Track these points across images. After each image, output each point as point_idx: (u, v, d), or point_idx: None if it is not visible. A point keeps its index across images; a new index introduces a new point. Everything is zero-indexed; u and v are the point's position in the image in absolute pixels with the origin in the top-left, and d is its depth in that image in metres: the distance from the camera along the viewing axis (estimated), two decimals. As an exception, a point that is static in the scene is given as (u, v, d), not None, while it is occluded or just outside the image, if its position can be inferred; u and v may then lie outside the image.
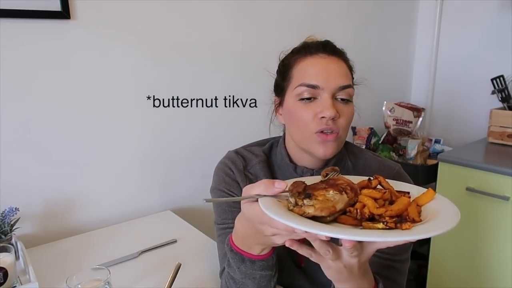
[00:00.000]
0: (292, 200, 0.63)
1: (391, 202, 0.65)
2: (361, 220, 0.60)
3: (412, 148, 1.98)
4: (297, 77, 0.86)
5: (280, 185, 0.64)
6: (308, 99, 0.84)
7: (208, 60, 1.60)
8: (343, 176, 0.70)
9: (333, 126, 0.82)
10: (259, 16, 1.70)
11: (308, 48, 0.88)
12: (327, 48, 0.87)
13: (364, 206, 0.62)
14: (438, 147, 2.13)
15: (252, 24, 1.69)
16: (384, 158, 0.98)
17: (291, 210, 0.62)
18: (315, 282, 0.95)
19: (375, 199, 0.64)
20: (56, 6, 1.23)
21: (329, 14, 1.95)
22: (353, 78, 0.92)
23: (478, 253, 1.73)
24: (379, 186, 0.70)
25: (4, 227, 1.12)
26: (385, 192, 0.65)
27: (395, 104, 2.16)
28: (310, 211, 0.60)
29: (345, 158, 0.95)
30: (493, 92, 1.93)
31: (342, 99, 0.84)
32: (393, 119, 2.15)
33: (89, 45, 1.32)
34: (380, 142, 2.13)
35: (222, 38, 1.62)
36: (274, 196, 0.64)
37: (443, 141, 2.17)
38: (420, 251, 2.07)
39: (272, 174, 0.95)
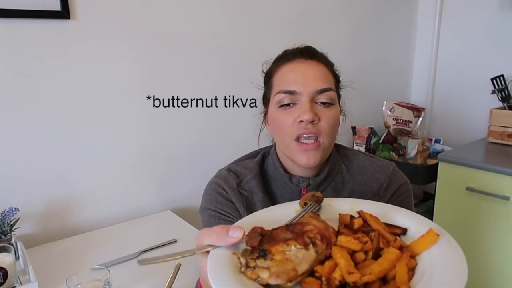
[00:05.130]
0: (242, 261, 0.50)
1: (377, 252, 0.52)
2: None
3: (412, 148, 1.98)
4: (277, 84, 0.85)
5: (235, 234, 0.53)
6: (288, 105, 0.82)
7: (208, 60, 1.60)
8: (316, 217, 0.57)
9: (313, 129, 0.80)
10: (259, 16, 1.70)
11: (286, 55, 0.87)
12: (304, 53, 0.85)
13: (335, 266, 0.49)
14: (438, 147, 2.13)
15: (252, 24, 1.69)
16: (378, 158, 0.96)
17: (243, 273, 0.49)
18: None
19: (353, 252, 0.51)
20: (56, 6, 1.23)
21: (329, 14, 1.95)
22: (338, 82, 0.90)
23: (478, 253, 1.73)
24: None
25: (4, 227, 1.12)
26: (366, 242, 0.51)
27: (395, 104, 2.16)
28: (264, 276, 0.48)
29: (339, 162, 0.93)
30: (493, 92, 1.93)
31: (322, 103, 0.82)
32: (393, 119, 2.15)
33: (89, 45, 1.32)
34: (380, 142, 2.13)
35: (222, 38, 1.62)
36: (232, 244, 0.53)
37: (443, 141, 2.17)
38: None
39: (266, 187, 0.91)
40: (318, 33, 1.91)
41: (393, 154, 2.05)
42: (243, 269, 0.50)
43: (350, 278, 0.46)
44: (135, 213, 1.52)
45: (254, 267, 0.49)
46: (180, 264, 0.84)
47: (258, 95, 0.95)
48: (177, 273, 0.83)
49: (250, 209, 0.89)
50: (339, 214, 0.61)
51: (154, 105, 1.50)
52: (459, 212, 1.75)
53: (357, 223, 0.57)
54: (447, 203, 1.78)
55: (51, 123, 1.30)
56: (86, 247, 1.28)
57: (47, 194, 1.33)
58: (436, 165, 1.81)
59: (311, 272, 0.50)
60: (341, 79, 0.91)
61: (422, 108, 2.19)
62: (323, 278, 0.48)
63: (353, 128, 2.12)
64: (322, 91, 0.81)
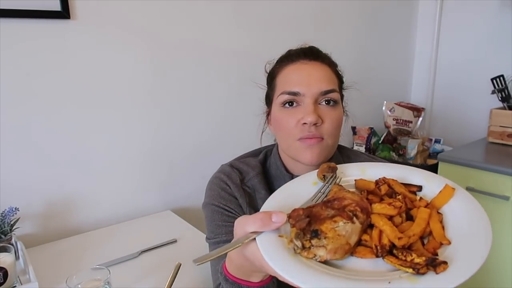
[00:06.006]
0: (298, 243, 0.53)
1: (407, 213, 0.57)
2: (383, 256, 0.51)
3: (412, 148, 1.98)
4: (280, 85, 0.85)
5: (279, 218, 0.55)
6: (291, 105, 0.83)
7: (209, 59, 1.60)
8: (347, 190, 0.61)
9: (316, 132, 0.80)
10: (260, 17, 1.70)
11: (290, 56, 0.87)
12: (308, 54, 0.85)
13: (381, 233, 0.53)
14: (438, 147, 2.13)
15: (254, 24, 1.69)
16: (380, 159, 0.96)
17: (299, 254, 0.53)
18: None
19: (391, 217, 0.55)
20: (56, 6, 1.23)
21: (329, 15, 1.95)
22: (342, 82, 0.90)
23: (478, 253, 1.73)
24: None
25: (4, 227, 1.12)
26: (401, 206, 0.56)
27: (395, 104, 2.16)
28: (322, 254, 0.51)
29: (340, 163, 0.93)
30: (493, 92, 1.93)
31: (326, 104, 0.82)
32: (393, 119, 2.15)
33: (89, 45, 1.32)
34: (380, 142, 2.13)
35: (223, 37, 1.62)
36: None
37: (443, 141, 2.17)
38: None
39: (269, 186, 0.91)
40: (318, 33, 1.91)
41: (393, 154, 2.05)
42: (298, 250, 0.53)
43: (400, 242, 0.51)
44: (135, 213, 1.52)
45: (309, 247, 0.52)
46: (180, 264, 0.84)
47: (261, 95, 0.95)
48: (177, 273, 0.83)
49: (253, 206, 0.89)
50: (355, 180, 0.66)
51: (154, 105, 1.50)
52: (459, 212, 1.75)
53: (384, 189, 0.61)
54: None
55: (51, 123, 1.30)
56: (86, 247, 1.28)
57: (47, 194, 1.33)
58: (436, 165, 1.81)
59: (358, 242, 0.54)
60: (344, 79, 0.91)
61: (422, 108, 2.19)
62: (378, 246, 0.52)
63: (353, 128, 2.12)
64: (326, 92, 0.81)
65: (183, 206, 1.63)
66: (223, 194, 0.90)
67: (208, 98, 1.62)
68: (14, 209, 1.15)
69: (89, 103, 1.36)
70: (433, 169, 1.85)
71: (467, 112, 2.26)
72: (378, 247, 0.52)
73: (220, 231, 0.88)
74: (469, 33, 2.19)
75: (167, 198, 1.60)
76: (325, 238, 0.52)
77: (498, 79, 1.93)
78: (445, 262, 0.47)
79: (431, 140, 2.18)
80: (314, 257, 0.52)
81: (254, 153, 0.99)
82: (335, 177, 0.68)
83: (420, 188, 0.63)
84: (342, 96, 0.89)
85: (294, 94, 0.82)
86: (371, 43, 2.20)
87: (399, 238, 0.51)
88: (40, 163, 1.30)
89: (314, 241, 0.52)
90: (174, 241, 1.30)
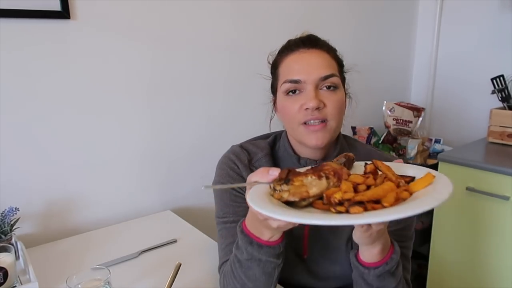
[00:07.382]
0: (271, 186, 0.67)
1: None
2: (328, 205, 0.62)
3: (412, 148, 1.98)
4: (282, 74, 0.91)
5: (274, 172, 0.68)
6: (294, 92, 0.88)
7: (208, 59, 1.60)
8: (335, 163, 0.70)
9: (319, 115, 0.85)
10: (259, 13, 1.70)
11: (290, 46, 0.93)
12: (306, 42, 0.91)
13: (338, 190, 0.64)
14: (438, 146, 2.13)
15: (252, 21, 1.69)
16: (383, 152, 1.02)
17: (272, 195, 0.66)
18: (315, 275, 0.96)
19: (357, 184, 0.64)
20: (56, 6, 1.23)
21: (329, 13, 1.95)
22: (342, 66, 0.95)
23: (478, 253, 1.73)
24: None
25: (4, 227, 1.12)
26: (368, 177, 0.65)
27: (395, 104, 2.16)
28: (285, 196, 0.65)
29: (346, 149, 0.97)
30: (493, 92, 1.92)
31: (327, 88, 0.87)
32: (393, 119, 2.15)
33: (89, 45, 1.32)
34: (380, 142, 2.13)
35: (221, 34, 1.62)
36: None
37: (443, 140, 2.17)
38: (420, 250, 2.07)
39: (276, 166, 0.94)
40: (317, 32, 1.90)
41: (393, 154, 2.05)
42: (271, 192, 0.67)
43: (345, 196, 0.61)
44: (135, 213, 1.52)
45: (279, 191, 0.65)
46: (180, 264, 0.84)
47: (258, 92, 0.97)
48: (177, 272, 0.83)
49: None
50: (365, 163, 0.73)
51: (153, 105, 1.50)
52: (459, 212, 1.75)
53: (369, 168, 0.70)
54: (447, 203, 1.77)
55: (51, 123, 1.30)
56: (86, 247, 1.28)
57: (47, 194, 1.33)
58: (436, 165, 1.81)
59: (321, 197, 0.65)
60: (344, 63, 0.96)
61: (422, 108, 2.19)
62: (324, 195, 0.64)
63: (353, 128, 2.12)
64: (326, 77, 0.87)
65: (183, 206, 1.63)
66: (232, 173, 0.95)
67: (207, 97, 1.62)
68: (14, 209, 1.16)
69: (88, 102, 1.36)
70: (433, 169, 1.85)
71: (467, 112, 2.26)
72: (325, 197, 0.63)
73: (228, 210, 0.93)
74: (469, 33, 2.19)
75: (167, 198, 1.60)
76: (291, 185, 0.65)
77: (498, 79, 1.92)
78: (361, 203, 0.58)
79: (431, 140, 2.18)
80: (280, 198, 0.65)
81: (264, 136, 1.05)
82: (343, 160, 0.75)
83: (412, 179, 0.68)
84: (343, 79, 0.94)
85: (296, 82, 0.87)
86: (371, 43, 2.20)
87: (345, 192, 0.62)
88: (41, 163, 1.30)
89: (283, 186, 0.65)
90: (174, 241, 1.30)
